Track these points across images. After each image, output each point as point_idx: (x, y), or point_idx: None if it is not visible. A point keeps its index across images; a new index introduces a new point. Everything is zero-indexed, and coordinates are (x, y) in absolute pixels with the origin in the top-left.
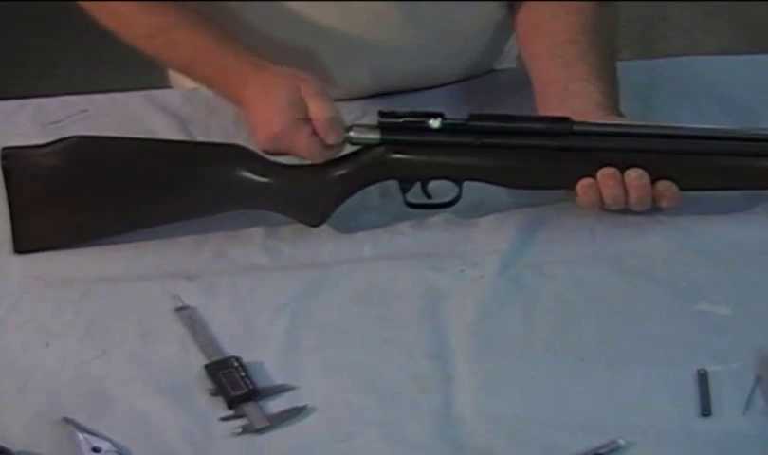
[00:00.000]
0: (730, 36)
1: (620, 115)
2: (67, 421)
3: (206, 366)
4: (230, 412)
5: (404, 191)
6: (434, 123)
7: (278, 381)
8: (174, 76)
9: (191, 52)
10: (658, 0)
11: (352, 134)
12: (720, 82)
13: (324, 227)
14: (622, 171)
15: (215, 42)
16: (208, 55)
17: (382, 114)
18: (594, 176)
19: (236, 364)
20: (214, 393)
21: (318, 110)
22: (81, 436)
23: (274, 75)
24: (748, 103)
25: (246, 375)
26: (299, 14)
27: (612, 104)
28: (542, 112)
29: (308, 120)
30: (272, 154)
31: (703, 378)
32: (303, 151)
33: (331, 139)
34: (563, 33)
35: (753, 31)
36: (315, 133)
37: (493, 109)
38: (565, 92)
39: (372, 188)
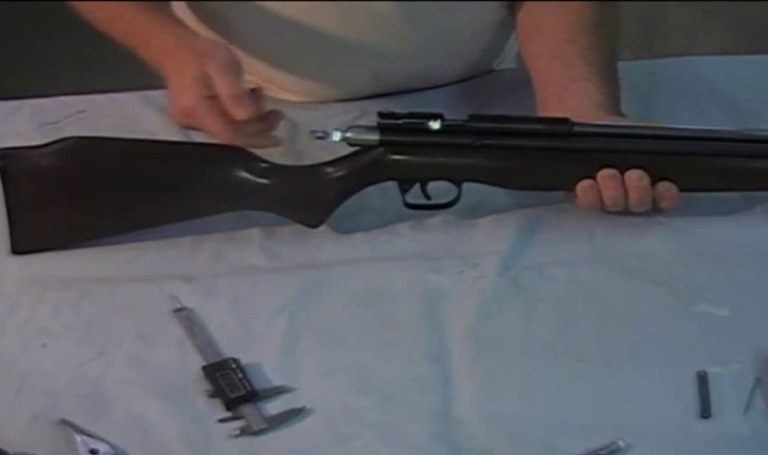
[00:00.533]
0: (730, 36)
1: (621, 115)
2: (65, 423)
3: (204, 367)
4: (228, 414)
5: (403, 191)
6: (434, 125)
7: (276, 382)
8: None
9: (125, 26)
10: (658, 0)
11: (350, 135)
12: (720, 83)
13: (323, 227)
14: (622, 172)
15: (144, 14)
16: (137, 26)
17: (381, 115)
18: (593, 178)
19: (234, 365)
20: (212, 395)
21: (222, 86)
22: (78, 438)
23: (188, 49)
24: (748, 104)
25: (245, 377)
26: (297, 14)
27: (613, 104)
28: (542, 112)
29: (217, 98)
30: (188, 128)
31: (702, 380)
32: (212, 129)
33: (239, 115)
34: (564, 33)
35: (753, 31)
36: (224, 112)
37: (492, 109)
38: (565, 92)
39: (370, 188)
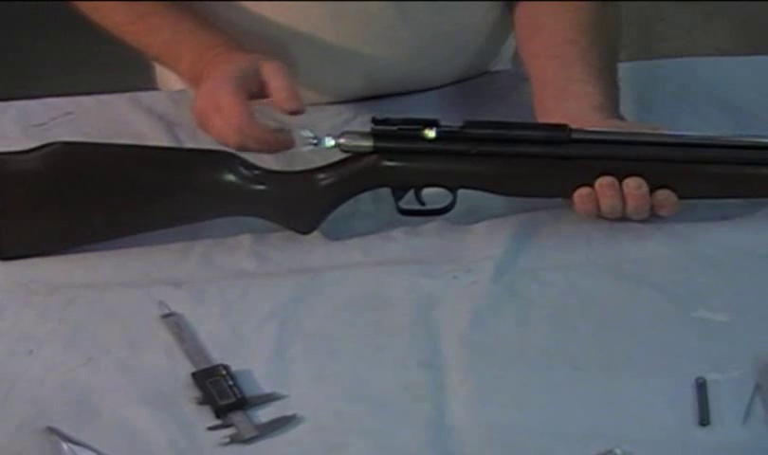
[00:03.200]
0: (730, 37)
1: (620, 118)
2: (52, 430)
3: (193, 374)
4: (218, 422)
5: (397, 198)
6: (429, 133)
7: (267, 390)
8: (162, 77)
9: (172, 35)
10: (657, 0)
11: (344, 141)
12: (719, 84)
13: (314, 233)
14: (620, 179)
15: (197, 24)
16: (188, 35)
17: (375, 121)
18: (591, 185)
19: (224, 372)
20: (201, 402)
21: (279, 82)
22: (65, 446)
23: (241, 52)
24: (748, 106)
25: (235, 384)
26: (288, 15)
27: (612, 107)
28: (540, 113)
29: (248, 89)
30: (199, 124)
31: (701, 387)
32: (227, 107)
33: (294, 107)
34: (563, 33)
35: (753, 32)
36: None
37: (488, 112)
38: (563, 93)
39: (363, 193)
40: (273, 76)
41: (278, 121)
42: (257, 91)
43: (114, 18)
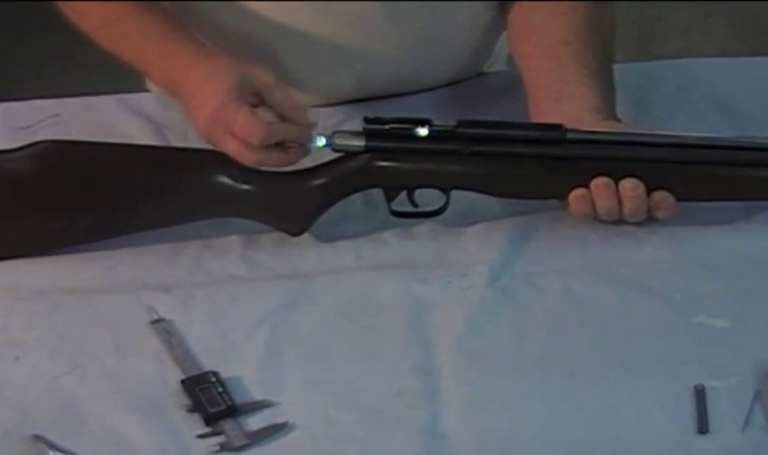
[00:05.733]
0: (729, 37)
1: (616, 119)
2: (38, 438)
3: (182, 381)
4: (208, 429)
5: (389, 199)
6: (422, 131)
7: (257, 397)
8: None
9: (140, 41)
10: (655, 0)
11: (335, 140)
12: (718, 86)
13: (305, 236)
14: (617, 181)
15: (166, 28)
16: (157, 41)
17: (367, 120)
18: (587, 186)
19: (214, 379)
20: (191, 410)
21: (281, 95)
22: (52, 454)
23: (224, 59)
24: (748, 108)
25: (225, 391)
26: (276, 16)
27: (608, 108)
28: (535, 115)
29: (249, 101)
30: (208, 141)
31: (700, 394)
32: (242, 128)
33: (303, 119)
34: (557, 33)
35: (753, 33)
36: (253, 114)
37: (482, 114)
38: (559, 95)
39: (355, 195)
40: (271, 88)
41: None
42: (254, 102)
43: (90, 22)
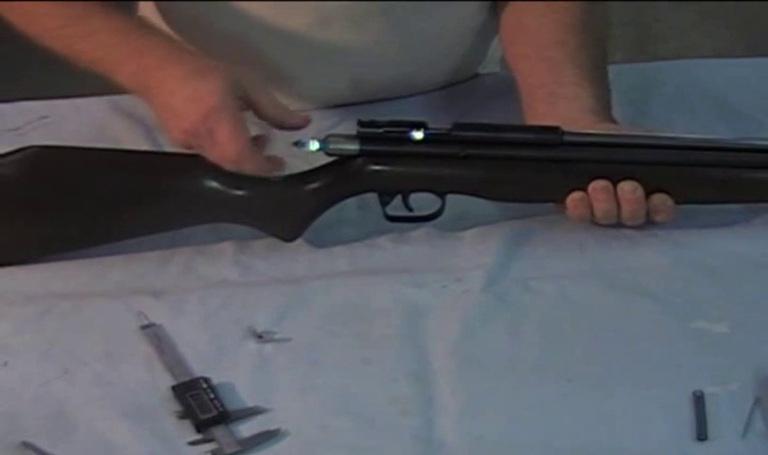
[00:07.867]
0: (728, 38)
1: (613, 121)
2: (27, 445)
3: (173, 387)
4: (199, 436)
5: (384, 203)
6: (417, 134)
7: (249, 403)
8: None
9: (109, 37)
10: (652, 0)
11: (329, 144)
12: (717, 87)
13: (299, 240)
14: (615, 183)
15: (136, 24)
16: (130, 36)
17: (361, 123)
18: (584, 189)
19: (205, 385)
20: (182, 416)
21: (266, 99)
22: None
23: (204, 60)
24: (747, 109)
25: (216, 397)
26: (272, 19)
27: (604, 110)
28: (530, 118)
29: (239, 108)
30: (185, 146)
31: (699, 400)
32: (225, 138)
33: (294, 123)
34: (551, 34)
35: (752, 33)
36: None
37: (477, 116)
38: (554, 97)
39: (349, 200)
40: (259, 92)
41: (259, 126)
42: (240, 106)
43: (45, 22)
